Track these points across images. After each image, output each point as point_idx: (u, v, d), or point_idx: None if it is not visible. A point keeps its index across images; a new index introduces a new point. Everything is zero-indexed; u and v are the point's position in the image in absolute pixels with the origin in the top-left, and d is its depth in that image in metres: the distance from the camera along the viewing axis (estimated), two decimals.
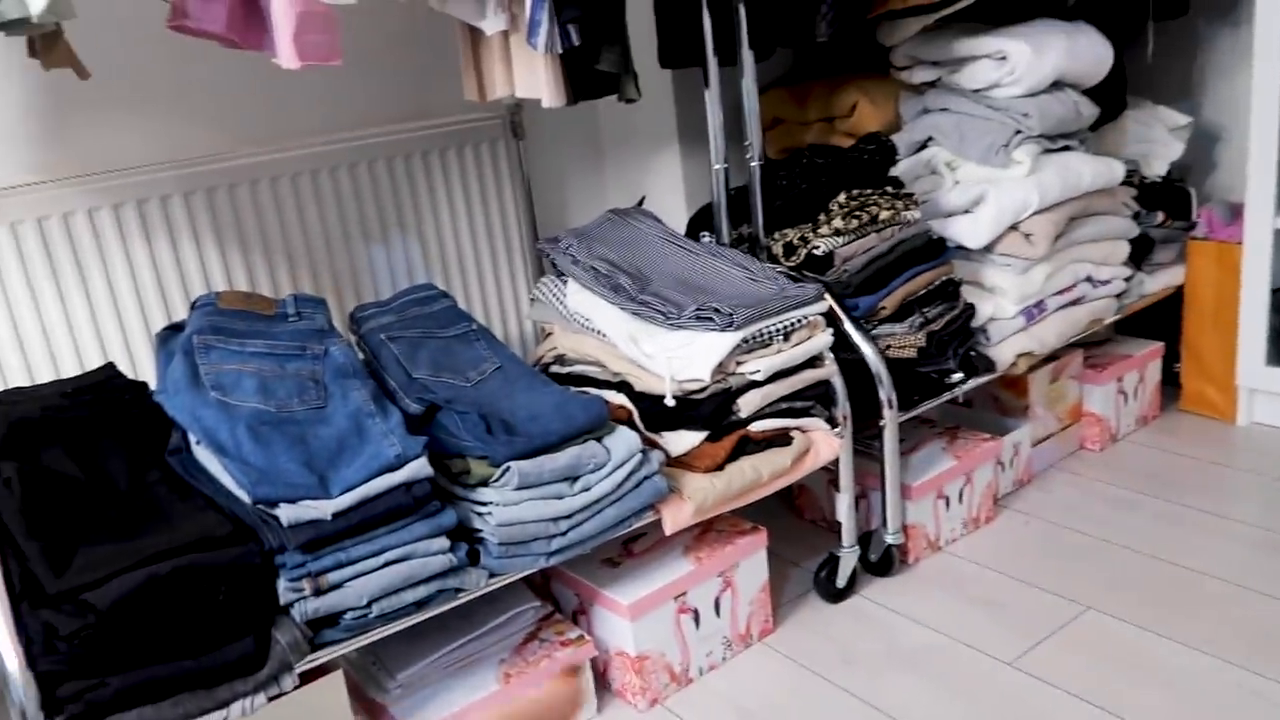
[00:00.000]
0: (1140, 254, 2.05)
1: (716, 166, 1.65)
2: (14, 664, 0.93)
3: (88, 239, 1.52)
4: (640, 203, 1.79)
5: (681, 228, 2.02)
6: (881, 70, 1.97)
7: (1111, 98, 1.97)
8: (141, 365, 1.59)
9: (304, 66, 1.17)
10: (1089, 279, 1.88)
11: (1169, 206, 2.16)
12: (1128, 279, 1.99)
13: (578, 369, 1.62)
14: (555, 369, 1.66)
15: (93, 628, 0.94)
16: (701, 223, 1.80)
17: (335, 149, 1.74)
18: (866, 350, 1.54)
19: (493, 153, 1.92)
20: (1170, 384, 2.20)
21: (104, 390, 1.30)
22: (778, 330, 1.44)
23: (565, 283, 1.64)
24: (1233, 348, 2.06)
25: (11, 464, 1.10)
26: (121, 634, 0.96)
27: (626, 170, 2.19)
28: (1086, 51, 1.83)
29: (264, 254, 1.69)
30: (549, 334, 1.70)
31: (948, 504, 1.71)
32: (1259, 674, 1.33)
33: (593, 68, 1.46)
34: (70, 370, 1.52)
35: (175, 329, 1.35)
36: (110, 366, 1.34)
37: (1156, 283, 2.09)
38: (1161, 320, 2.21)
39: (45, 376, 1.50)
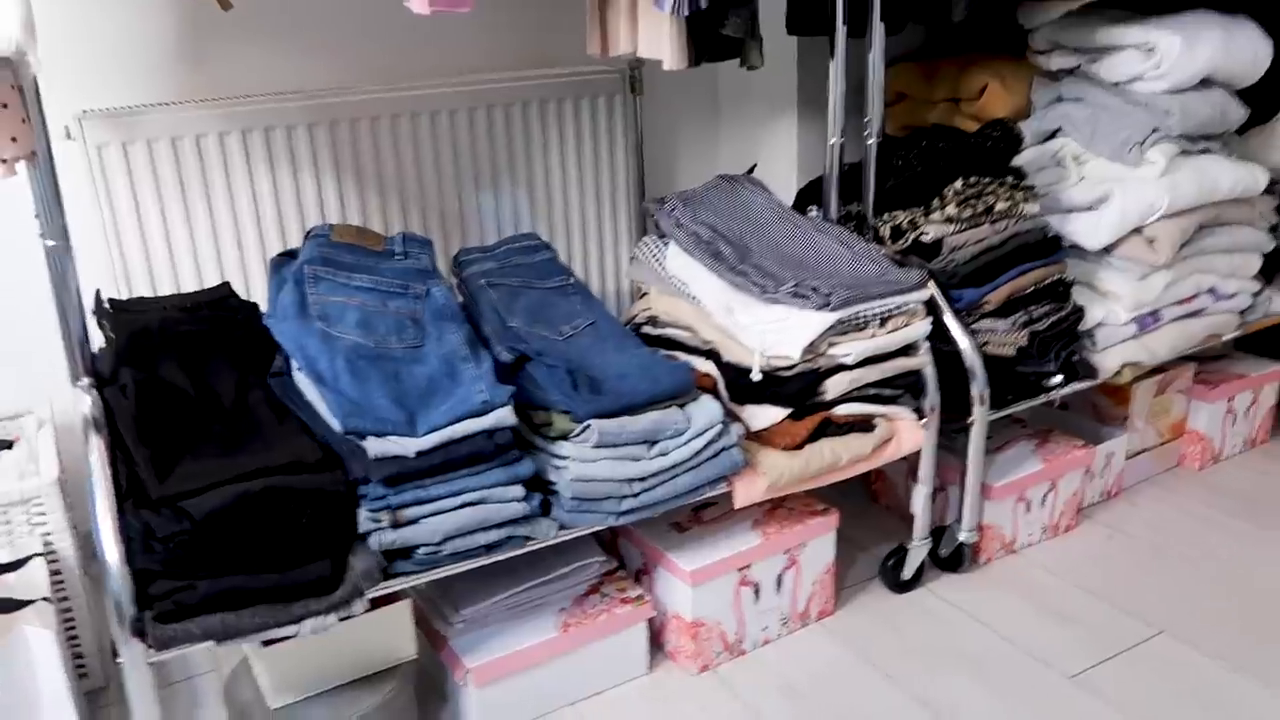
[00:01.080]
0: (1273, 269, 1.94)
1: (832, 140, 1.62)
2: (114, 559, 1.00)
3: (216, 161, 1.59)
4: (751, 170, 1.77)
5: (791, 198, 1.99)
6: (1017, 53, 1.89)
7: (1266, 99, 1.85)
8: (255, 286, 1.66)
9: (435, 13, 1.19)
10: (1212, 291, 1.79)
11: None
12: (1255, 294, 1.88)
13: (669, 332, 1.62)
14: (647, 329, 1.67)
15: (188, 533, 1.01)
16: (810, 196, 1.77)
17: (455, 92, 1.76)
18: (964, 344, 1.51)
19: (609, 107, 1.92)
20: None
21: (219, 308, 1.37)
22: (874, 315, 1.42)
23: (666, 245, 1.65)
24: None
25: (130, 371, 1.18)
26: (213, 542, 1.02)
27: (741, 135, 2.16)
28: (1243, 48, 1.71)
29: (378, 190, 1.74)
30: (644, 294, 1.71)
31: (1028, 508, 1.68)
32: None
33: (718, 31, 1.44)
34: (189, 285, 1.60)
35: (289, 255, 1.41)
36: (226, 286, 1.41)
37: None
38: None
39: (166, 289, 1.59)
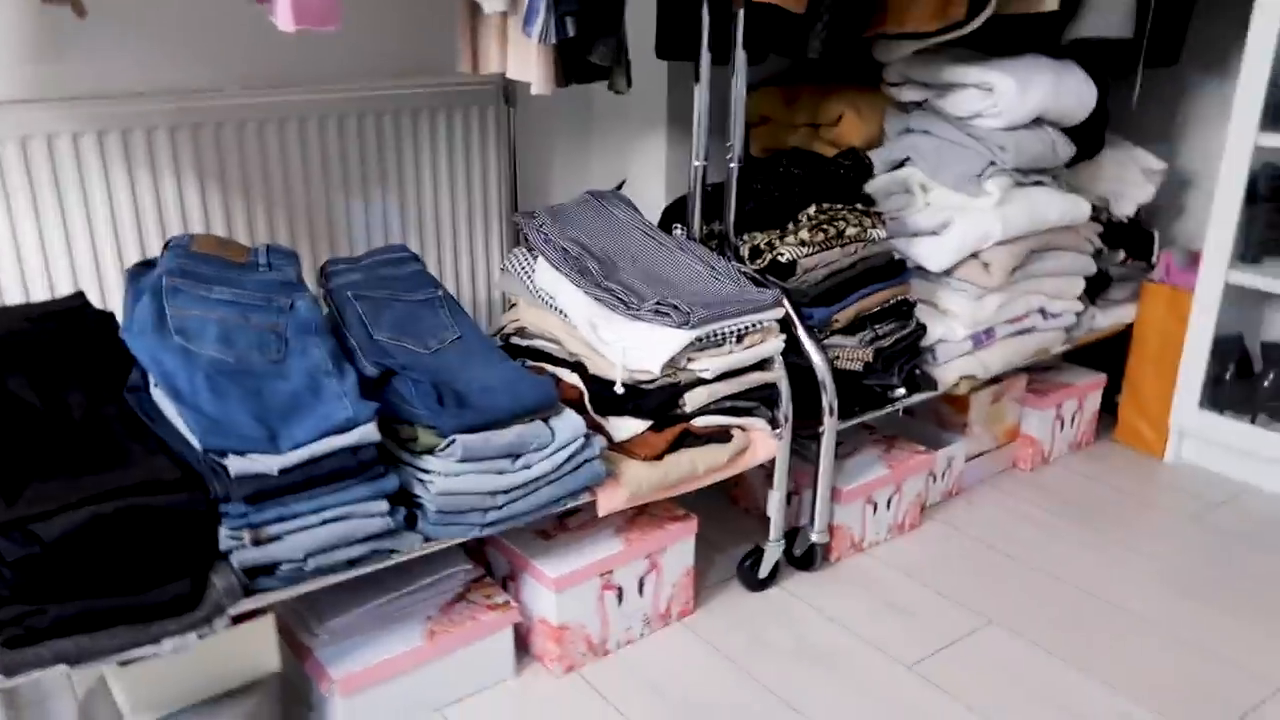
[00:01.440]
0: (1096, 289, 2.12)
1: (696, 163, 1.69)
2: None
3: (69, 163, 1.54)
4: (619, 186, 1.83)
5: (659, 211, 2.06)
6: (873, 83, 2.01)
7: (1091, 137, 2.02)
8: (111, 295, 1.62)
9: (300, 30, 1.20)
10: (1041, 310, 1.95)
11: (1131, 246, 2.23)
12: (1079, 313, 2.05)
13: (537, 343, 1.67)
14: (516, 340, 1.71)
15: (37, 558, 0.99)
16: (675, 214, 1.84)
17: (326, 98, 1.76)
18: (816, 359, 1.60)
19: (482, 118, 1.95)
20: (1108, 413, 2.29)
21: (71, 319, 1.34)
22: (732, 332, 1.49)
23: (535, 258, 1.69)
24: (1170, 389, 2.14)
25: None
26: (65, 566, 1.01)
27: (612, 149, 2.22)
28: (1071, 92, 1.87)
29: (244, 197, 1.72)
30: (514, 304, 1.75)
31: (875, 509, 1.79)
32: (1143, 709, 1.43)
33: (585, 54, 1.49)
34: (40, 294, 1.55)
35: (147, 265, 1.39)
36: (79, 295, 1.38)
37: (1108, 318, 2.17)
38: (1109, 351, 2.29)
39: (15, 298, 1.54)
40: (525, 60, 1.42)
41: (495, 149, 1.99)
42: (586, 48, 1.45)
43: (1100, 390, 2.23)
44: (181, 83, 1.70)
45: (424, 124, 1.89)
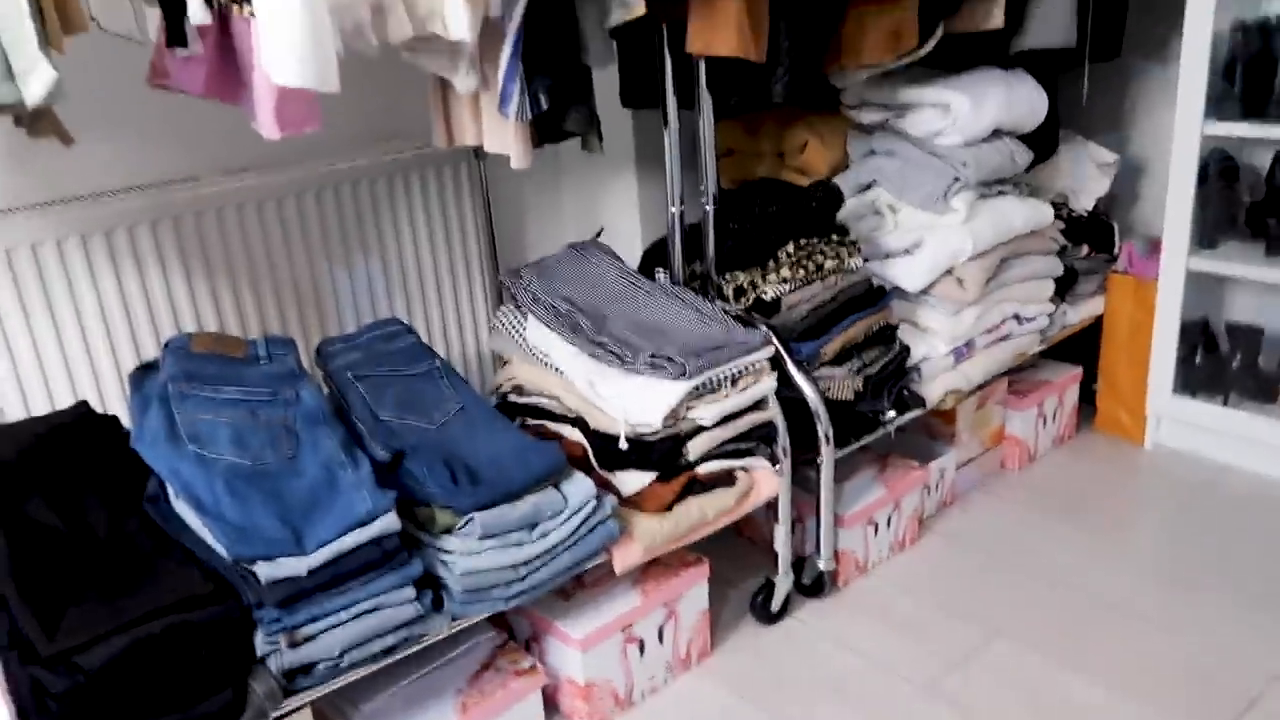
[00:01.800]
0: (1064, 286, 2.19)
1: (673, 209, 1.73)
2: (6, 718, 0.99)
3: (56, 269, 1.55)
4: (598, 235, 1.86)
5: (637, 250, 2.09)
6: (831, 106, 2.05)
7: (1045, 140, 2.08)
8: (109, 393, 1.62)
9: (284, 135, 1.22)
10: (1016, 316, 2.01)
11: (1093, 239, 2.29)
12: (1050, 313, 2.11)
13: (535, 400, 1.70)
14: (514, 398, 1.74)
15: (82, 688, 1.01)
16: (655, 257, 1.88)
17: (302, 176, 1.77)
18: (808, 392, 1.65)
19: (455, 175, 1.97)
20: (1087, 402, 2.36)
21: (78, 430, 1.35)
22: (726, 377, 1.53)
23: (525, 315, 1.72)
24: (1144, 376, 2.21)
25: None
26: (110, 692, 1.03)
27: (585, 195, 2.25)
28: (1024, 101, 1.93)
29: (230, 280, 1.73)
30: (506, 362, 1.78)
31: (876, 530, 1.84)
32: (1151, 709, 1.49)
33: (558, 122, 1.52)
34: (39, 401, 1.55)
35: (148, 369, 1.40)
36: (83, 404, 1.39)
37: (1078, 313, 2.23)
38: (1082, 343, 2.35)
39: (14, 407, 1.54)
40: (502, 135, 1.45)
41: (471, 204, 2.01)
42: (560, 115, 1.48)
43: (1078, 383, 2.30)
44: (159, 174, 1.71)
45: (399, 188, 1.91)
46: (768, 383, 1.58)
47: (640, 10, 1.35)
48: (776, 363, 1.63)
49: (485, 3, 1.23)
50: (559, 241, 2.14)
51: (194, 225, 1.68)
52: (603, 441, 1.53)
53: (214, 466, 1.23)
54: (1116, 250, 2.32)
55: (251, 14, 1.18)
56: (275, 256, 1.78)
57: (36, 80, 1.02)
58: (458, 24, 1.17)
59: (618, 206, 2.19)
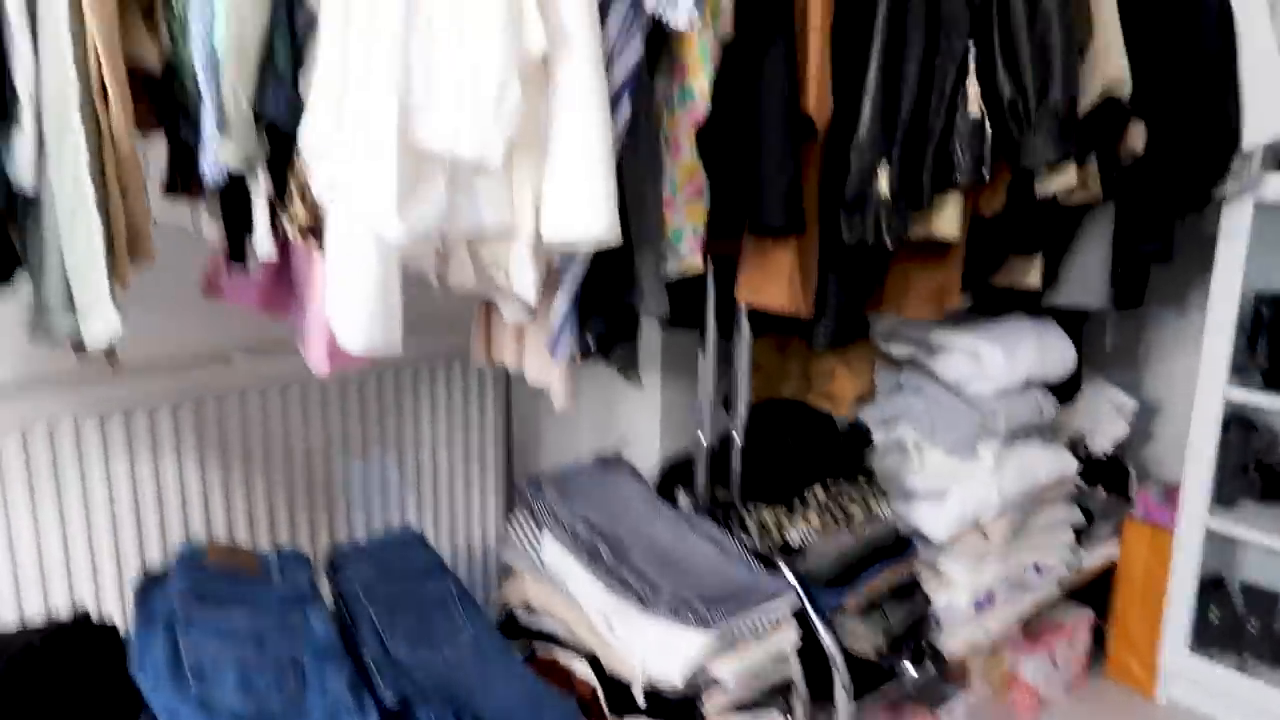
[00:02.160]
0: (1080, 530, 2.16)
1: (705, 443, 1.71)
2: None
3: (69, 452, 1.50)
4: (621, 450, 1.84)
5: (654, 458, 2.06)
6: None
7: (1069, 386, 2.10)
8: (107, 590, 1.56)
9: (335, 369, 1.20)
10: (1035, 566, 1.98)
11: (1109, 481, 2.29)
12: (1069, 563, 2.09)
13: (545, 622, 1.64)
14: (521, 615, 1.68)
15: None
16: (678, 475, 1.85)
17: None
18: (828, 643, 1.60)
19: (477, 372, 1.96)
20: (1098, 644, 2.30)
21: (74, 641, 1.28)
22: (748, 628, 1.48)
23: (541, 530, 1.67)
24: (1157, 626, 2.17)
25: None
26: None
27: (604, 397, 2.23)
28: (1053, 354, 1.96)
29: (244, 469, 1.69)
30: (514, 572, 1.72)
31: None
32: None
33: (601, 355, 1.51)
34: (35, 596, 1.49)
35: (155, 581, 1.35)
36: (85, 617, 1.32)
37: (1094, 557, 2.20)
38: (1094, 583, 2.31)
39: (6, 596, 1.47)
40: (544, 370, 1.44)
41: (490, 401, 2.00)
42: (604, 355, 1.47)
43: (1089, 627, 2.25)
44: (185, 353, 1.68)
45: (424, 381, 1.90)
46: (789, 634, 1.53)
47: (698, 267, 1.36)
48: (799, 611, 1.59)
49: (549, 261, 1.23)
50: (575, 441, 2.12)
51: (215, 409, 1.65)
52: (616, 687, 1.47)
53: (216, 715, 1.16)
54: (1132, 494, 2.31)
55: (319, 248, 1.17)
56: (292, 443, 1.75)
57: (100, 322, 0.99)
58: (522, 283, 1.17)
59: (638, 412, 2.17)
